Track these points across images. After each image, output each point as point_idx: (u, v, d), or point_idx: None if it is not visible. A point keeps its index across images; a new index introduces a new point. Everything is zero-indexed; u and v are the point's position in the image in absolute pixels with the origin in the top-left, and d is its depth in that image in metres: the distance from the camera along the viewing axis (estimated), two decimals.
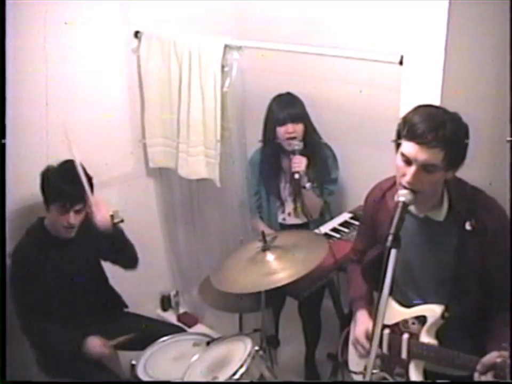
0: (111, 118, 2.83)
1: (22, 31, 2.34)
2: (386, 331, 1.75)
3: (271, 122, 2.66)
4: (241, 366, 1.96)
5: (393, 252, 1.54)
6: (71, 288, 2.37)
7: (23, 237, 2.33)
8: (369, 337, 1.87)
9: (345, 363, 1.96)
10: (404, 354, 1.70)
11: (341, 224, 2.71)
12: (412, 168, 1.57)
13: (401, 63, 1.99)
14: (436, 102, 1.92)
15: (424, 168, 1.55)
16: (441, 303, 1.68)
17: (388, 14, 2.50)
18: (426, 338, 1.68)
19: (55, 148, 2.55)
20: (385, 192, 1.79)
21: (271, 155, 2.73)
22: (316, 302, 2.79)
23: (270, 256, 2.08)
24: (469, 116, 2.07)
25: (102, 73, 2.73)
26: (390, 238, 1.53)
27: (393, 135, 2.14)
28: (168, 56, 2.73)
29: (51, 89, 2.47)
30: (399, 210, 1.58)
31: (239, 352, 2.04)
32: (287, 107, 2.61)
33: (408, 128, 1.57)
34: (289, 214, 2.80)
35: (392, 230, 1.54)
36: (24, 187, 2.49)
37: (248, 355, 2.00)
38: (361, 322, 1.91)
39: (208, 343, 2.23)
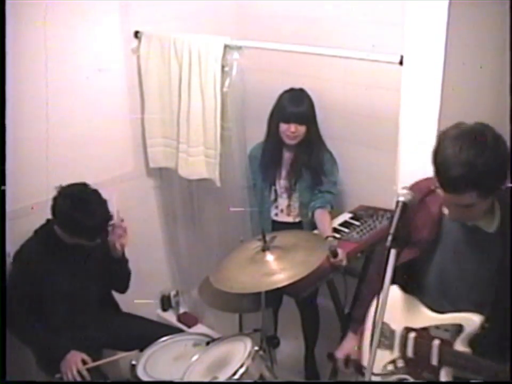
0: (111, 118, 2.83)
1: (22, 31, 2.34)
2: (412, 334, 1.71)
3: (277, 116, 2.66)
4: (241, 366, 1.96)
5: (392, 251, 1.54)
6: (72, 291, 2.36)
7: (30, 237, 2.33)
8: (348, 364, 1.91)
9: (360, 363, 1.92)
10: (434, 361, 1.65)
11: (341, 224, 2.71)
12: (450, 208, 1.54)
13: (401, 63, 1.99)
14: (436, 102, 1.92)
15: (463, 206, 1.50)
16: (476, 312, 1.62)
17: (388, 14, 2.50)
18: (461, 347, 1.62)
19: (55, 148, 2.56)
20: (426, 195, 1.69)
21: (273, 148, 2.73)
22: (312, 295, 2.79)
23: (269, 257, 2.08)
24: (469, 115, 2.08)
25: (102, 73, 2.73)
26: (390, 238, 1.53)
27: (393, 135, 2.16)
28: (168, 56, 2.72)
29: (51, 89, 2.48)
30: (398, 210, 1.57)
31: (239, 352, 2.04)
32: (295, 106, 2.61)
33: (436, 173, 1.50)
34: (281, 211, 2.80)
35: (392, 230, 1.54)
36: (24, 187, 2.50)
37: (248, 355, 2.00)
38: (345, 347, 1.93)
39: (208, 343, 2.24)
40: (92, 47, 2.65)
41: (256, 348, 2.06)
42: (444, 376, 1.64)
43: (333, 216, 2.75)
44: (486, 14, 1.98)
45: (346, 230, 2.66)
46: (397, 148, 2.12)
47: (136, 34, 2.80)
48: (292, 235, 2.33)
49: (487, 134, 1.46)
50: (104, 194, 2.28)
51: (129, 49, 2.82)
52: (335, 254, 2.36)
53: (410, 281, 1.78)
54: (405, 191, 1.60)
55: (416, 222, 1.72)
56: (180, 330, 2.67)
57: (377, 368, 1.77)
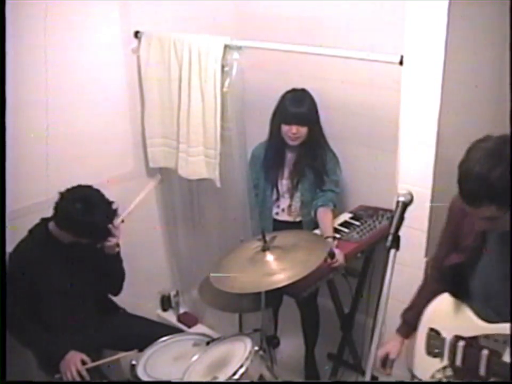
0: (111, 118, 2.83)
1: (22, 31, 2.34)
2: (461, 343, 1.69)
3: (278, 117, 2.66)
4: (241, 366, 1.96)
5: (392, 252, 1.53)
6: (68, 290, 2.36)
7: (25, 237, 2.32)
8: (386, 364, 1.88)
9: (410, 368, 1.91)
10: (482, 371, 1.63)
11: (341, 224, 2.71)
12: (475, 220, 1.54)
13: (401, 63, 1.99)
14: (436, 102, 1.92)
15: (486, 218, 1.50)
16: None
17: (388, 14, 2.50)
18: (509, 358, 1.59)
19: (55, 148, 2.56)
20: None
21: (276, 149, 2.73)
22: (312, 295, 2.79)
23: (269, 257, 2.08)
24: (469, 115, 2.09)
25: (102, 73, 2.73)
26: (390, 238, 1.52)
27: (393, 135, 2.16)
28: (168, 56, 2.72)
29: (51, 89, 2.48)
30: (398, 210, 1.57)
31: (239, 352, 2.04)
32: (296, 107, 2.60)
33: (458, 186, 1.50)
34: (283, 210, 2.80)
35: (392, 230, 1.53)
36: (24, 187, 2.49)
37: (248, 355, 1.99)
38: (387, 346, 1.91)
39: (208, 343, 2.24)
40: (92, 47, 2.65)
41: (256, 348, 2.06)
42: None
43: (334, 215, 2.74)
44: (486, 14, 1.98)
45: (346, 230, 2.66)
46: (397, 148, 2.12)
47: (136, 34, 2.80)
48: (292, 235, 2.33)
49: (503, 147, 1.44)
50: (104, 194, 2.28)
51: (129, 49, 2.82)
52: (332, 255, 2.36)
53: (458, 288, 1.77)
54: (404, 191, 1.60)
55: (463, 228, 1.71)
56: (180, 330, 2.67)
57: (426, 376, 1.79)
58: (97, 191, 2.24)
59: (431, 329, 1.80)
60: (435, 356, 1.77)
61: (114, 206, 2.27)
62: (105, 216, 2.22)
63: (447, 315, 1.76)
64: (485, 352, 1.63)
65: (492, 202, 1.43)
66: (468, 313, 1.72)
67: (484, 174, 1.41)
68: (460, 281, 1.77)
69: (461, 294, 1.76)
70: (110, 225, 2.28)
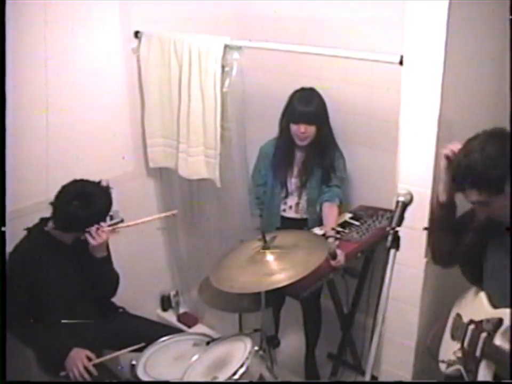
0: (111, 118, 2.83)
1: (22, 32, 2.34)
2: (471, 326, 1.76)
3: (287, 117, 2.67)
4: (241, 366, 1.96)
5: (392, 252, 1.53)
6: (67, 290, 2.35)
7: (24, 237, 2.33)
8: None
9: (430, 349, 1.97)
10: (478, 352, 1.70)
11: (341, 224, 2.71)
12: (473, 206, 1.61)
13: (401, 63, 1.99)
14: (436, 102, 1.92)
15: (478, 203, 1.57)
16: None
17: (388, 14, 2.50)
18: (499, 341, 1.65)
19: (55, 148, 2.56)
20: None
21: (285, 147, 2.74)
22: (315, 294, 2.79)
23: (269, 257, 2.08)
24: (469, 115, 2.08)
25: (102, 73, 2.73)
26: (389, 238, 1.53)
27: (393, 135, 2.16)
28: (168, 56, 2.72)
29: (51, 90, 2.48)
30: (398, 210, 1.58)
31: (239, 352, 2.04)
32: (304, 106, 2.61)
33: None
34: (290, 207, 2.82)
35: (392, 230, 1.54)
36: (24, 187, 2.50)
37: (248, 355, 2.00)
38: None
39: (208, 343, 2.24)
40: (92, 47, 2.65)
41: (256, 348, 2.06)
42: (483, 368, 1.68)
43: (340, 211, 2.74)
44: (486, 14, 1.98)
45: (346, 230, 2.66)
46: (397, 148, 2.12)
47: (136, 34, 2.80)
48: (292, 235, 2.33)
49: (479, 137, 1.56)
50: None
51: (129, 49, 2.82)
52: (334, 256, 2.36)
53: (473, 270, 1.83)
54: (404, 191, 1.60)
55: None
56: (180, 330, 2.67)
57: (445, 359, 1.85)
58: (96, 183, 2.24)
59: (457, 314, 1.86)
60: (455, 339, 1.83)
61: (104, 183, 2.26)
62: (93, 205, 2.21)
63: (469, 301, 1.83)
64: (483, 334, 1.69)
65: (472, 186, 1.53)
66: (483, 298, 1.77)
67: (462, 161, 1.55)
68: (470, 261, 1.82)
69: (476, 278, 1.82)
70: (98, 227, 2.25)
